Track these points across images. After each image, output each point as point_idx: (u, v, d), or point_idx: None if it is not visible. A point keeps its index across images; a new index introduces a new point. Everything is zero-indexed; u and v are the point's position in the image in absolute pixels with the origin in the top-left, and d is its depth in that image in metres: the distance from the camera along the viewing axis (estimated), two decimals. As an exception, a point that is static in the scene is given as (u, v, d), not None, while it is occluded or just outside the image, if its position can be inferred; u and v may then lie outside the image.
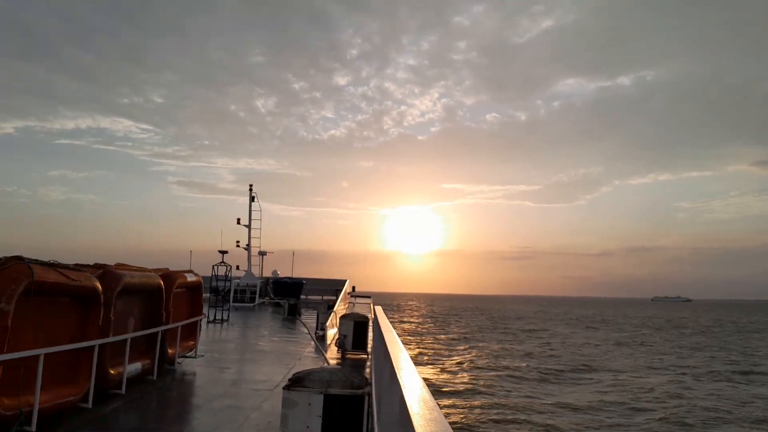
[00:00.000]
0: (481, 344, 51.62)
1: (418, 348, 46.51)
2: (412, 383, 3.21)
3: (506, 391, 28.22)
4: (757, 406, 25.98)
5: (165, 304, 11.24)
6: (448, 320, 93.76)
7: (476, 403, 25.14)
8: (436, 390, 27.28)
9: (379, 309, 15.23)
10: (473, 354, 43.48)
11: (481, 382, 30.18)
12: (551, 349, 48.07)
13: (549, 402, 25.46)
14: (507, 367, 35.78)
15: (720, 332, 77.73)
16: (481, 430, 20.72)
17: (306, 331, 20.71)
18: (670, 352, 49.35)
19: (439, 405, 2.78)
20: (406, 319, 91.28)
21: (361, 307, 31.06)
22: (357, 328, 14.78)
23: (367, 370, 12.80)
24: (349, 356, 14.73)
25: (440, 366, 36.61)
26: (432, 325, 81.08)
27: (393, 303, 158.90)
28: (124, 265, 10.13)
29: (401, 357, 4.53)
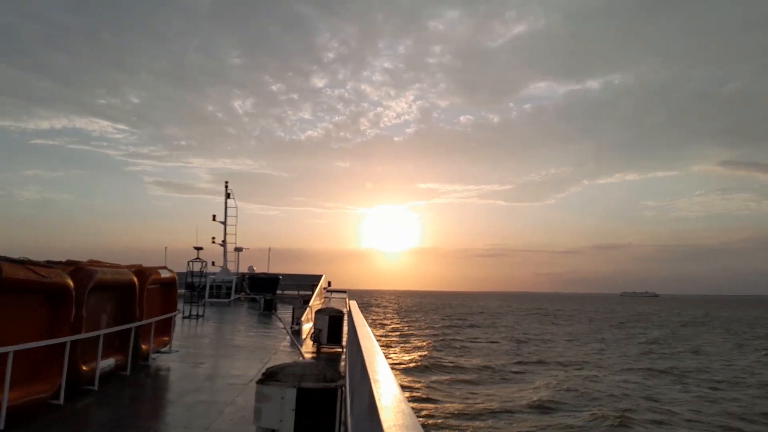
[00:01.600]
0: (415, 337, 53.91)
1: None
2: (382, 376, 3.28)
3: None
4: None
5: (138, 301, 11.17)
6: (409, 315, 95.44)
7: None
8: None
9: (353, 304, 15.31)
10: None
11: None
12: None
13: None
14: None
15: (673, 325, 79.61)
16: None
17: (282, 325, 20.70)
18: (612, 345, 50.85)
19: (408, 398, 2.87)
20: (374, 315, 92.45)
21: (336, 302, 31.11)
22: (332, 323, 14.84)
23: (342, 363, 12.88)
24: (324, 350, 14.79)
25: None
26: (394, 319, 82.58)
27: (366, 300, 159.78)
28: (96, 261, 10.04)
29: (372, 351, 4.61)
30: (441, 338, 51.45)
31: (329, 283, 40.73)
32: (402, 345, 46.38)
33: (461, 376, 30.51)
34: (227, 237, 34.64)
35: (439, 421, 20.76)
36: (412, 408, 2.61)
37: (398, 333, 57.74)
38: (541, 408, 22.94)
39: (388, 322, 75.08)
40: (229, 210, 34.58)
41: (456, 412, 22.01)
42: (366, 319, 9.98)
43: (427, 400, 24.39)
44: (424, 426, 18.81)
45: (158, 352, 12.53)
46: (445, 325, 71.51)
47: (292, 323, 19.46)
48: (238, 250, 35.26)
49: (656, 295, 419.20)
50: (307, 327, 18.33)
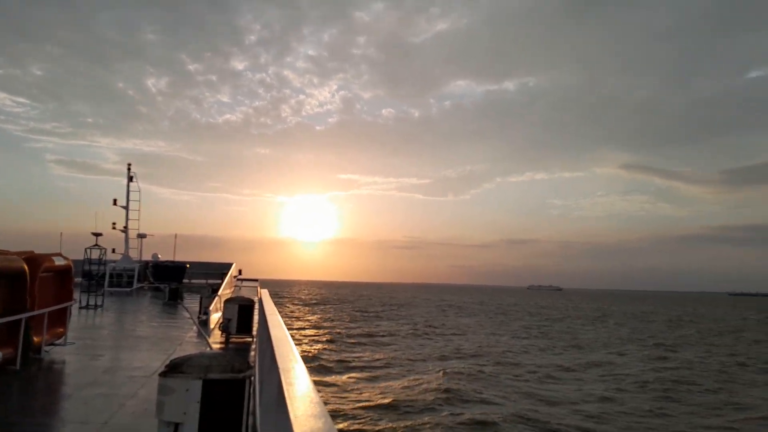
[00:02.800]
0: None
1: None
2: (292, 365, 3.24)
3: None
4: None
5: (29, 290, 10.44)
6: (318, 306, 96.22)
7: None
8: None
9: (264, 292, 15.07)
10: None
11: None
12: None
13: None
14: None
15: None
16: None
17: (188, 315, 20.04)
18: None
19: (317, 387, 2.85)
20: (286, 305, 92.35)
21: (248, 292, 30.50)
22: (242, 312, 14.53)
23: (252, 353, 12.66)
24: (233, 340, 14.47)
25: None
26: (303, 310, 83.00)
27: (280, 290, 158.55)
28: (-20, 247, 9.26)
29: (283, 340, 4.54)
30: (341, 330, 51.92)
31: (240, 272, 39.88)
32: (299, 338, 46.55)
33: (353, 373, 30.73)
34: (129, 223, 33.08)
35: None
36: (322, 398, 2.60)
37: (300, 326, 57.70)
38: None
39: (298, 313, 74.96)
40: (132, 194, 33.03)
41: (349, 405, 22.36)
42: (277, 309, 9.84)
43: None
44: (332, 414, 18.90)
45: (52, 344, 11.76)
46: (352, 317, 72.40)
47: (200, 313, 18.89)
48: (141, 236, 33.76)
49: (560, 289, 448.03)
50: (215, 317, 17.84)
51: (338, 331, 50.02)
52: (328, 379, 26.72)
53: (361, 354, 35.64)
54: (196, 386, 4.82)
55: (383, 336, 47.10)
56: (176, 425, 4.98)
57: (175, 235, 38.26)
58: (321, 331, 49.10)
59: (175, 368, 4.97)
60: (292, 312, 73.78)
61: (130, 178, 32.96)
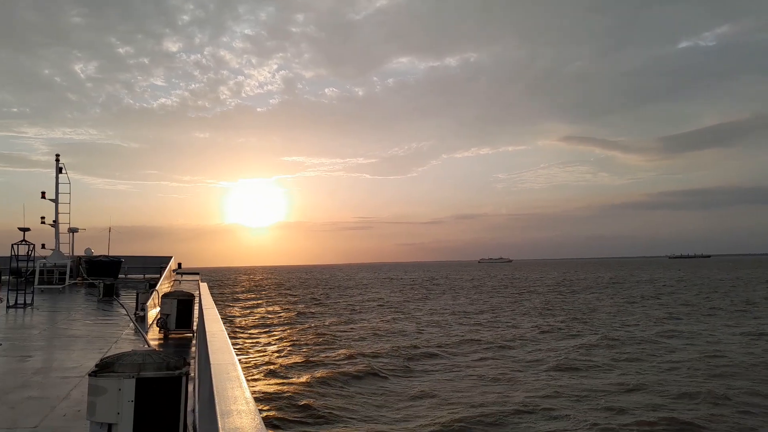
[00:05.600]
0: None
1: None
2: (223, 360, 3.22)
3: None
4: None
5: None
6: (255, 293, 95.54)
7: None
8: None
9: (204, 286, 14.78)
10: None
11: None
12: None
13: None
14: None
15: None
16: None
17: (124, 312, 19.40)
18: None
19: (248, 382, 2.84)
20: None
21: (188, 285, 29.80)
22: (181, 306, 14.17)
23: (193, 349, 12.41)
24: (172, 336, 14.13)
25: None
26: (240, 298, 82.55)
27: (220, 278, 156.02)
28: None
29: (217, 335, 4.48)
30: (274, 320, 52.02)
31: (179, 265, 38.84)
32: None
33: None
34: (60, 216, 31.64)
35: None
36: (253, 393, 2.59)
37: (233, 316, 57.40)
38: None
39: (232, 303, 74.26)
40: (62, 186, 31.53)
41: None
42: (216, 302, 9.69)
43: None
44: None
45: (-25, 347, 11.18)
46: (291, 302, 72.53)
47: (136, 309, 18.33)
48: (72, 230, 32.36)
49: (510, 261, 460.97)
50: (153, 313, 17.35)
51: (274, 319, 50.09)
52: (262, 368, 26.67)
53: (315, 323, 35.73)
54: (129, 385, 4.69)
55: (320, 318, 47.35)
56: (109, 426, 4.85)
57: (109, 229, 36.91)
58: (260, 318, 48.79)
59: (106, 367, 4.82)
60: (236, 302, 72.91)
61: (60, 169, 31.48)
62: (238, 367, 3.16)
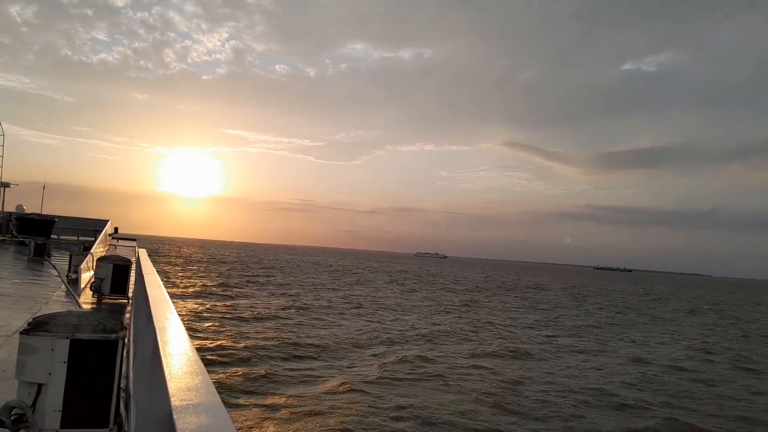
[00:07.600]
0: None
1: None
2: (169, 324, 3.17)
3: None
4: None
5: None
6: (190, 267, 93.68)
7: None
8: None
9: (143, 252, 14.42)
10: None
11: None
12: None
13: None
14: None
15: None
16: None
17: (56, 273, 18.67)
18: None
19: (194, 344, 2.81)
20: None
21: (124, 251, 28.90)
22: (117, 272, 13.74)
23: (127, 315, 12.08)
24: (106, 301, 13.70)
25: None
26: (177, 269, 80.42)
27: (157, 247, 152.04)
28: None
29: (160, 299, 4.39)
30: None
31: (116, 230, 37.59)
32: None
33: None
34: (-10, 170, 30.05)
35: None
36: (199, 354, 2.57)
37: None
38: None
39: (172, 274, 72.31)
40: None
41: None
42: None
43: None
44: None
45: None
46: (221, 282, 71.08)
47: (69, 271, 17.67)
48: (4, 185, 30.84)
49: (445, 257, 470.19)
50: (87, 276, 16.75)
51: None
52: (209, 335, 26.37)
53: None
54: (63, 346, 4.53)
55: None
56: (39, 387, 4.68)
57: (44, 187, 35.34)
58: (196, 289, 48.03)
59: (39, 326, 4.64)
60: (173, 273, 71.24)
61: None
62: (183, 329, 3.12)
